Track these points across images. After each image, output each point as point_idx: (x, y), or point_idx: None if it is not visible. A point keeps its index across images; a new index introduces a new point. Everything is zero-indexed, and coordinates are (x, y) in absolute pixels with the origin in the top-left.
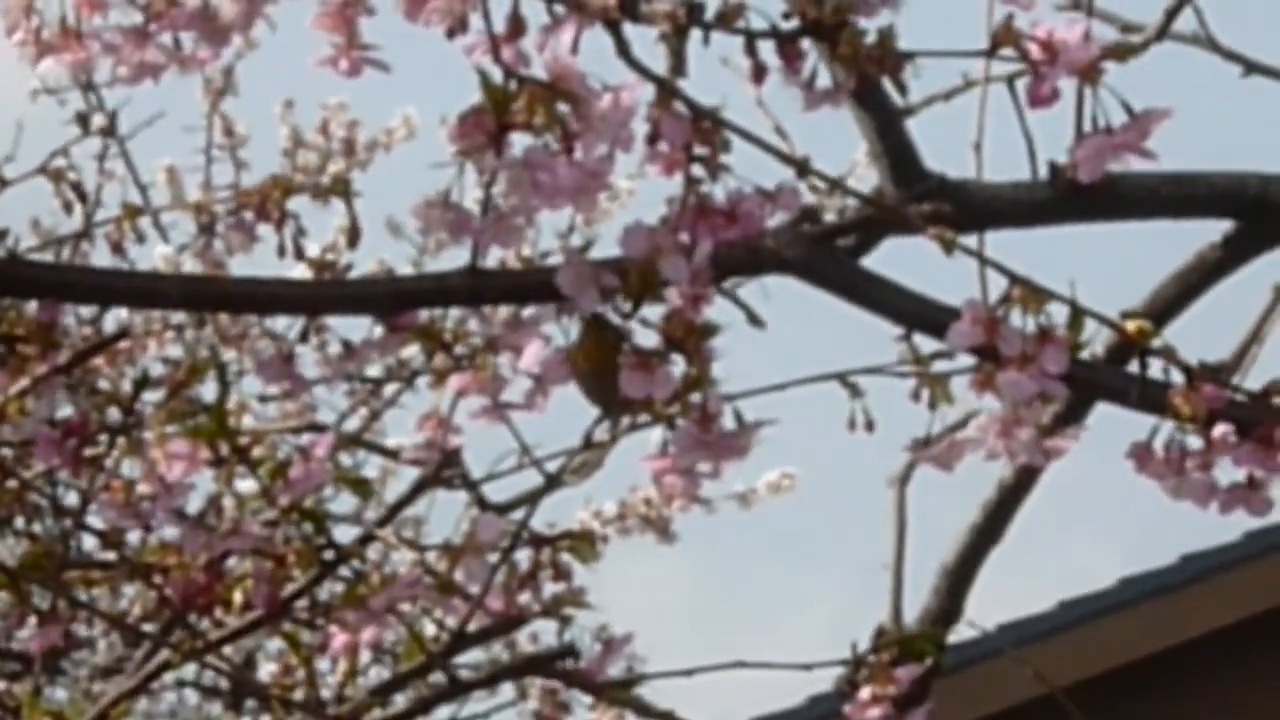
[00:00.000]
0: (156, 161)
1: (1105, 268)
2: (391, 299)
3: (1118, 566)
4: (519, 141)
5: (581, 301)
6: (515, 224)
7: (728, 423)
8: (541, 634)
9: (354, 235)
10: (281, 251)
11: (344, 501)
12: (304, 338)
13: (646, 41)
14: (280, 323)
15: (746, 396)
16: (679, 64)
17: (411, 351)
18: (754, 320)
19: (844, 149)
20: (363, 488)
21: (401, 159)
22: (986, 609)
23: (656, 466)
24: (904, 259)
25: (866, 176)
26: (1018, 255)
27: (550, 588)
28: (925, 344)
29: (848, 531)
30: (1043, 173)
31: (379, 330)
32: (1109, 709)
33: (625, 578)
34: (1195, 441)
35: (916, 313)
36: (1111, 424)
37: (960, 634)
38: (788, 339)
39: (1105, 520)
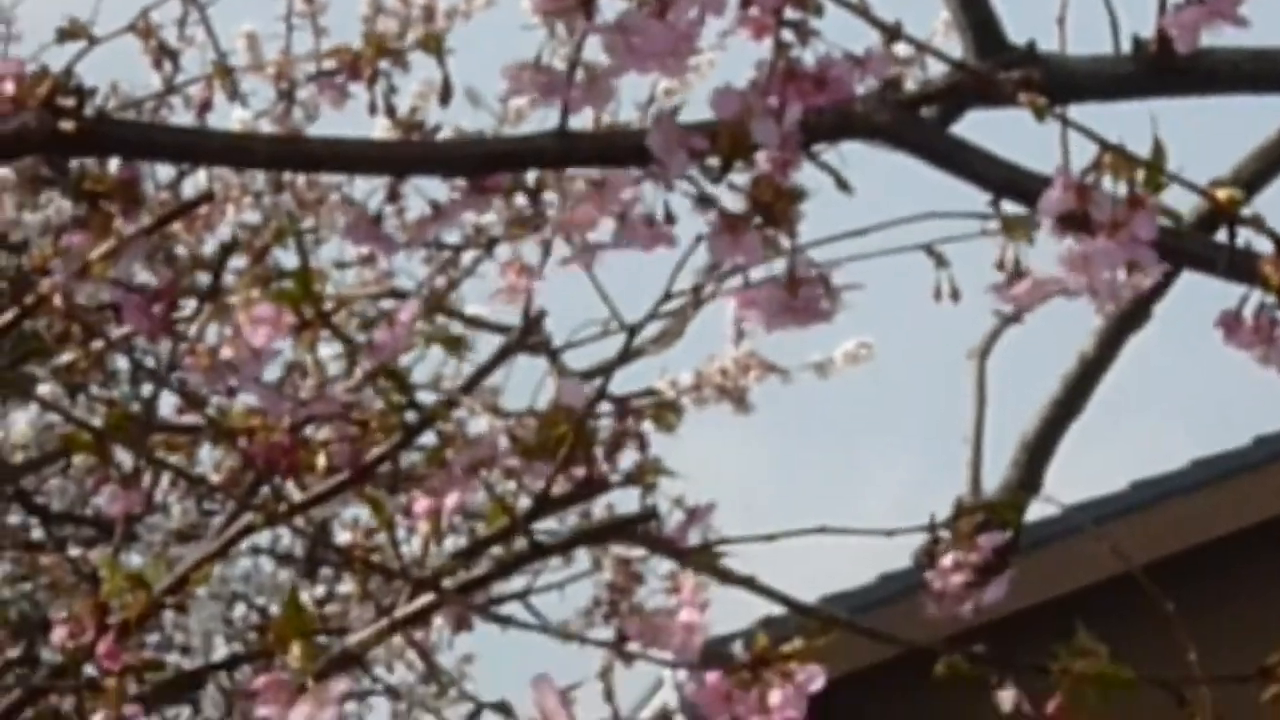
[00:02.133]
0: (236, 28)
1: (1187, 144)
2: (482, 159)
3: (1189, 448)
4: (606, 5)
5: (671, 163)
6: (606, 86)
7: (813, 288)
8: (618, 505)
9: (447, 93)
10: (373, 109)
11: (425, 369)
12: (392, 199)
13: None
14: (359, 188)
15: (832, 264)
16: None
17: (490, 218)
18: (842, 185)
19: (923, 20)
20: (455, 345)
21: (481, 27)
22: (1063, 486)
23: (744, 301)
24: (985, 135)
25: (947, 48)
26: (1101, 129)
27: (628, 458)
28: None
29: (924, 404)
30: (1126, 47)
31: (462, 192)
32: (1181, 590)
33: (701, 449)
34: None
35: (1006, 179)
36: (1188, 307)
37: (1040, 511)
38: (874, 206)
39: (1179, 401)
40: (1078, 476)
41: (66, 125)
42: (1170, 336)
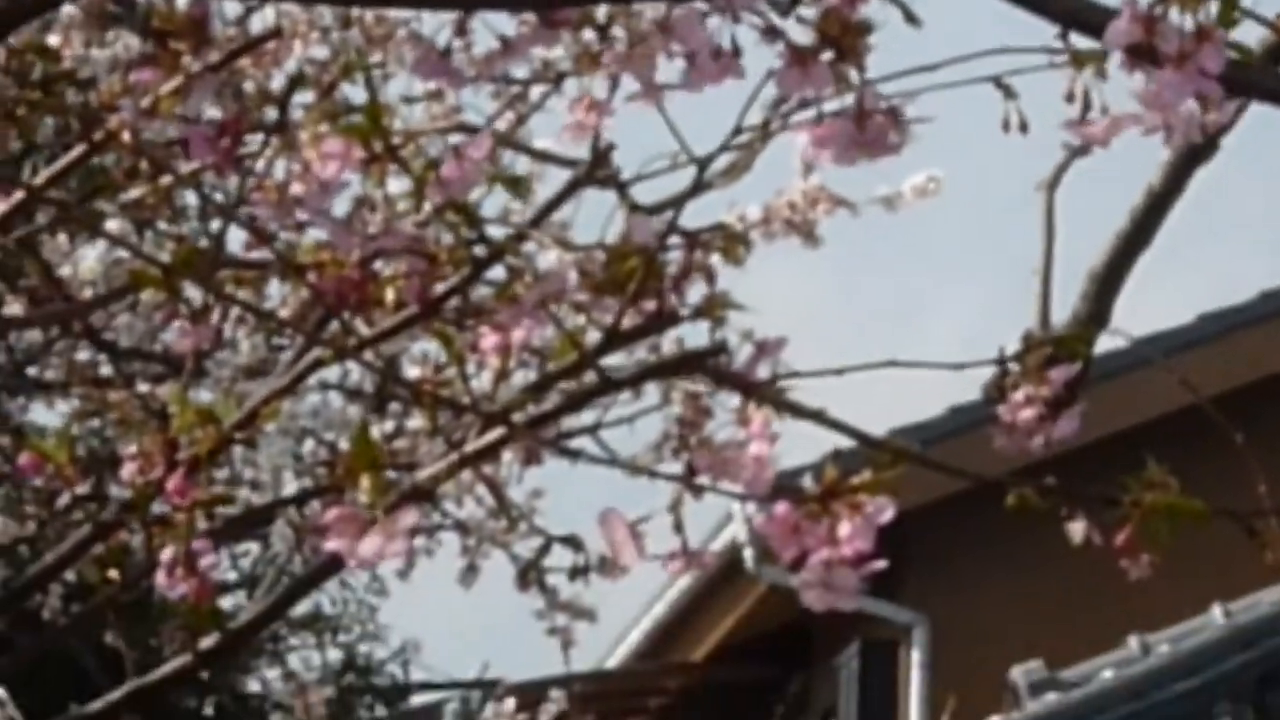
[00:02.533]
0: None
1: None
2: None
3: (1260, 278)
4: None
5: None
6: None
7: (883, 121)
8: (686, 340)
9: None
10: None
11: (493, 204)
12: (460, 32)
13: None
14: (427, 25)
15: (899, 96)
16: None
17: (558, 54)
18: (910, 18)
19: None
20: (518, 185)
21: None
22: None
23: (814, 134)
24: None
25: None
26: None
27: (696, 292)
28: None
29: (994, 237)
30: None
31: (529, 27)
32: (1250, 421)
33: (770, 284)
34: None
35: (1073, 10)
36: (1257, 136)
37: (1108, 343)
38: (944, 40)
39: (1248, 234)
40: (1147, 309)
41: None
42: (1240, 167)
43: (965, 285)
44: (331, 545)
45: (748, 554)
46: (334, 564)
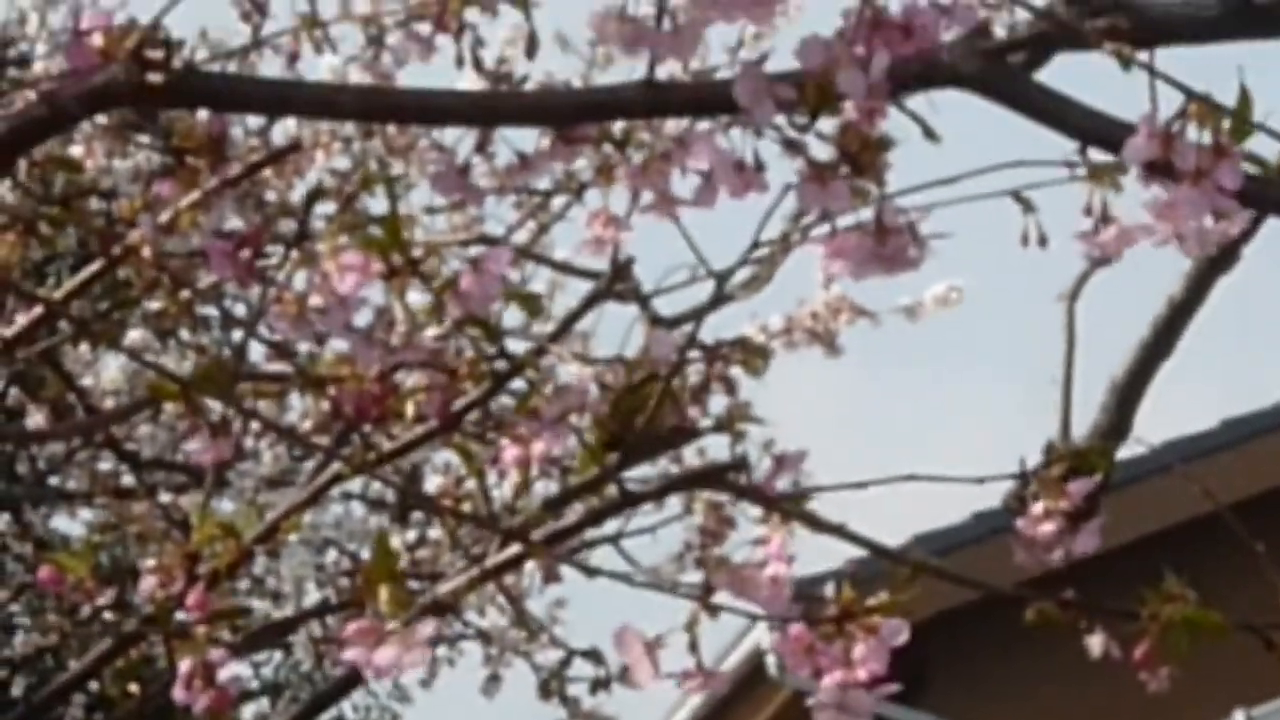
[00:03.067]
0: None
1: (1273, 87)
2: (570, 110)
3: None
4: None
5: (758, 112)
6: (692, 36)
7: (901, 236)
8: (707, 451)
9: (532, 44)
10: (460, 62)
11: (513, 316)
12: (480, 149)
13: None
14: (448, 136)
15: (917, 210)
16: None
17: (580, 164)
18: (929, 134)
19: None
20: (532, 303)
21: None
22: (1154, 425)
23: (832, 249)
24: (1070, 81)
25: None
26: (1188, 77)
27: (718, 403)
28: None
29: (1015, 347)
30: None
31: (550, 141)
32: (1273, 527)
33: (791, 392)
34: None
35: (1091, 127)
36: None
37: (1129, 450)
38: (962, 154)
39: (1273, 338)
40: (1171, 412)
41: (154, 78)
42: (1265, 271)
43: (987, 394)
44: (349, 656)
45: (770, 660)
46: (355, 676)
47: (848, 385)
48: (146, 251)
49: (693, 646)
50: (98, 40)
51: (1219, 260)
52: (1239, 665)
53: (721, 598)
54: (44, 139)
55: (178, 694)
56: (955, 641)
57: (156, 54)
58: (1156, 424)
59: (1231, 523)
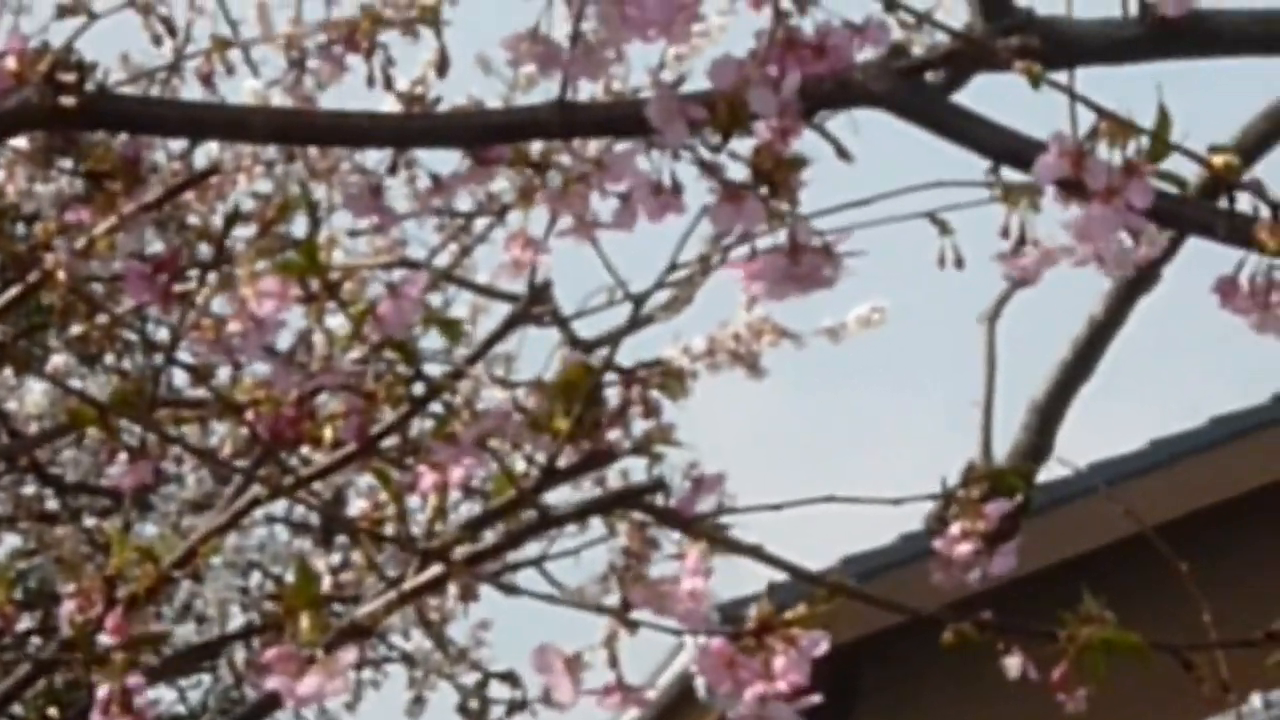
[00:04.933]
0: None
1: (1193, 107)
2: (482, 131)
3: (1211, 404)
4: None
5: (670, 134)
6: (604, 57)
7: (815, 255)
8: (631, 472)
9: (443, 65)
10: (371, 82)
11: (434, 339)
12: (392, 170)
13: None
14: (370, 158)
15: (835, 231)
16: None
17: (501, 185)
18: (842, 154)
19: None
20: (453, 329)
21: None
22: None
23: (747, 270)
24: (992, 96)
25: (955, 10)
26: (1105, 94)
27: (640, 425)
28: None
29: (937, 368)
30: (1133, 10)
31: (467, 163)
32: (1200, 548)
33: (714, 414)
34: None
35: (1004, 146)
36: (1204, 263)
37: (1051, 472)
38: (876, 174)
39: (1196, 358)
40: (1096, 435)
41: (68, 101)
42: (1188, 292)
43: (910, 414)
44: (271, 683)
45: (699, 683)
46: (274, 701)
47: (772, 407)
48: (62, 276)
49: (613, 662)
50: (11, 63)
51: (1139, 280)
52: (1162, 689)
53: (642, 615)
54: None
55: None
56: (883, 664)
57: (70, 77)
58: (1082, 446)
59: (1156, 543)
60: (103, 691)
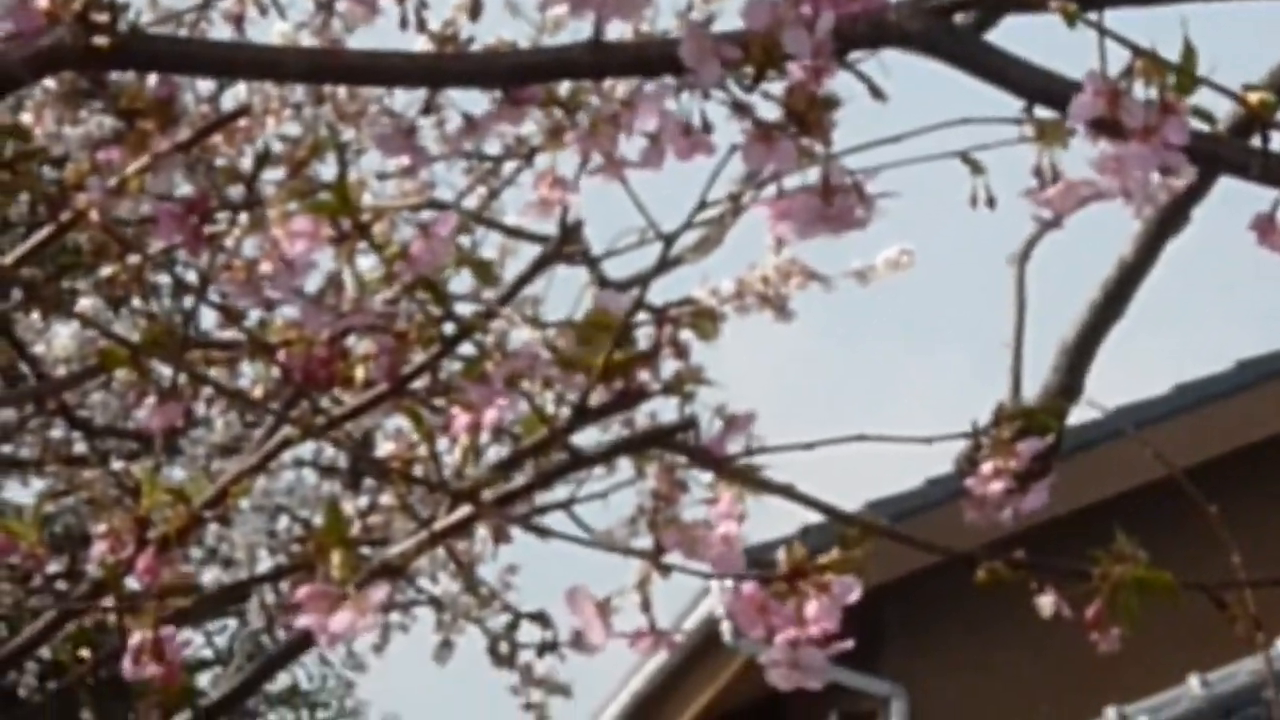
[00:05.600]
0: None
1: (1220, 49)
2: (514, 71)
3: (1237, 348)
4: None
5: (703, 73)
6: None
7: (848, 196)
8: (661, 413)
9: (476, 7)
10: (404, 24)
11: (464, 280)
12: (426, 111)
13: None
14: (399, 100)
15: (867, 171)
16: None
17: (530, 129)
18: (876, 93)
19: None
20: (484, 270)
21: None
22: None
23: (777, 209)
24: (1022, 40)
25: None
26: (1139, 35)
27: (669, 366)
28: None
29: (967, 309)
30: None
31: (499, 104)
32: (1227, 491)
33: (742, 357)
34: None
35: (1038, 85)
36: (1234, 207)
37: (1080, 414)
38: (904, 117)
39: (1225, 303)
40: (1123, 378)
41: (100, 40)
42: (1217, 235)
43: (940, 356)
44: (302, 621)
45: (725, 627)
46: (305, 640)
47: (800, 351)
48: (94, 215)
49: (645, 606)
50: (43, 3)
51: (1169, 222)
52: (1194, 630)
53: (673, 559)
54: None
55: (126, 668)
56: (911, 607)
57: (102, 17)
58: (1110, 388)
59: (1185, 486)
60: (135, 639)
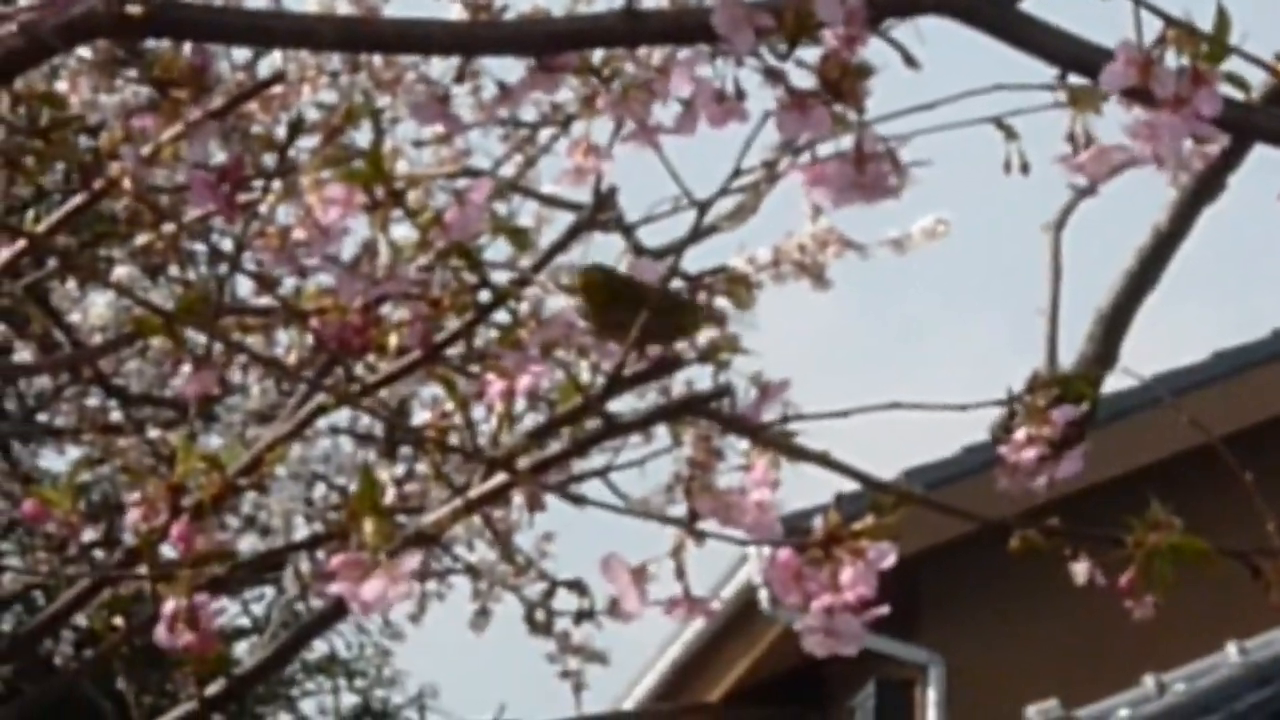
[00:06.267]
0: None
1: (1260, 15)
2: (548, 39)
3: (1273, 316)
4: None
5: (737, 41)
6: None
7: (881, 164)
8: (697, 381)
9: None
10: None
11: (499, 249)
12: (460, 79)
13: None
14: (435, 69)
15: (901, 139)
16: None
17: (566, 96)
18: (910, 61)
19: None
20: (520, 237)
21: None
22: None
23: (812, 176)
24: (1058, 7)
25: None
26: (1172, 5)
27: (705, 337)
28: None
29: (1002, 277)
30: None
31: (530, 71)
32: (1263, 459)
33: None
34: None
35: (1071, 54)
36: (1270, 174)
37: (1116, 382)
38: (942, 81)
39: (1262, 270)
40: (1160, 345)
41: (133, 8)
42: (1253, 202)
43: (976, 324)
44: (335, 589)
45: (763, 595)
46: (339, 609)
47: (837, 319)
48: (128, 184)
49: (680, 573)
50: None
51: (1204, 190)
52: (1231, 598)
53: (709, 525)
54: (22, 71)
55: (160, 636)
56: (946, 576)
57: None
58: (1147, 356)
59: (1222, 453)
60: (169, 606)
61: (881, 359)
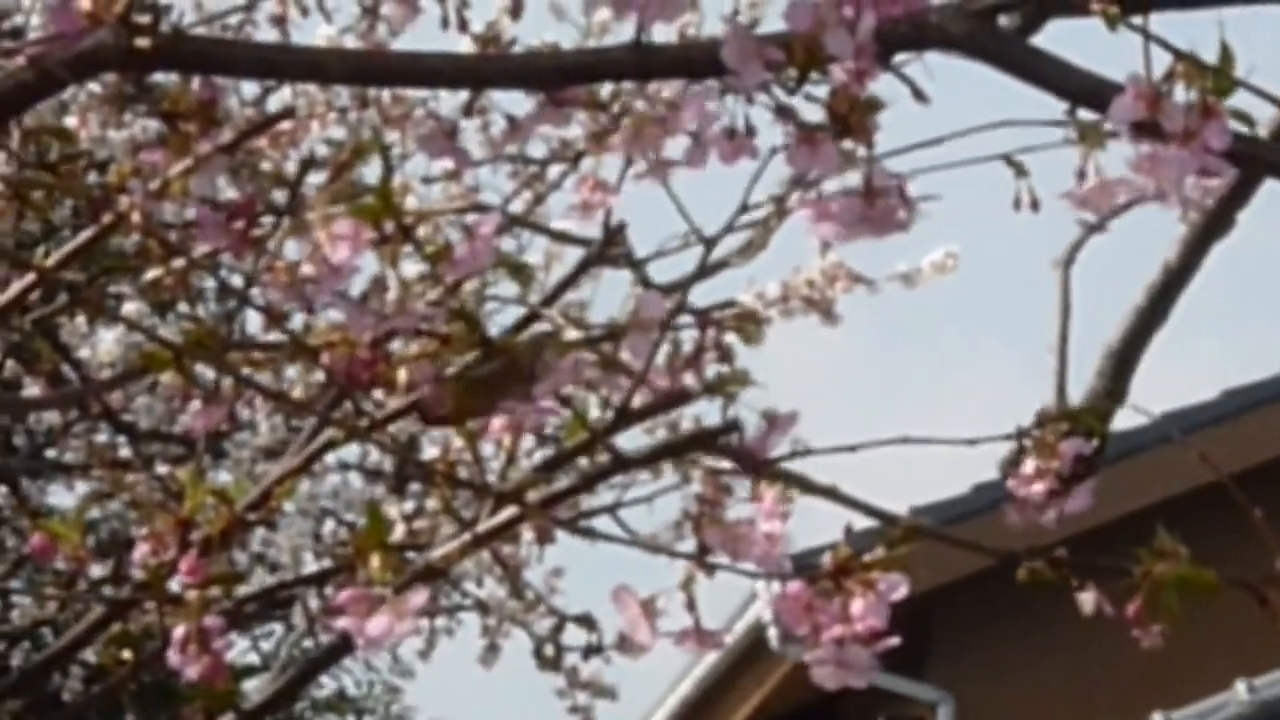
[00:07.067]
0: None
1: (1270, 50)
2: (557, 72)
3: None
4: None
5: (746, 75)
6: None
7: (891, 198)
8: (705, 416)
9: (517, 7)
10: (445, 24)
11: (509, 285)
12: (467, 113)
13: None
14: (444, 105)
15: (911, 174)
16: None
17: (574, 133)
18: (919, 96)
19: None
20: (523, 273)
21: None
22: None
23: (819, 211)
24: (1067, 43)
25: None
26: (1180, 39)
27: (713, 370)
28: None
29: (1011, 313)
30: None
31: (538, 105)
32: (1274, 497)
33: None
34: None
35: (1080, 88)
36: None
37: (1126, 419)
38: (951, 116)
39: (1271, 307)
40: (1172, 383)
41: (142, 42)
42: (1263, 240)
43: (984, 359)
44: (341, 624)
45: (772, 632)
46: (346, 645)
47: (846, 355)
48: (136, 218)
49: (690, 605)
50: (85, 4)
51: (1213, 226)
52: (1239, 635)
53: (718, 559)
54: (31, 104)
55: (172, 658)
56: (955, 614)
57: (144, 18)
58: (1157, 393)
59: (1230, 489)
60: (179, 631)
61: (893, 394)
